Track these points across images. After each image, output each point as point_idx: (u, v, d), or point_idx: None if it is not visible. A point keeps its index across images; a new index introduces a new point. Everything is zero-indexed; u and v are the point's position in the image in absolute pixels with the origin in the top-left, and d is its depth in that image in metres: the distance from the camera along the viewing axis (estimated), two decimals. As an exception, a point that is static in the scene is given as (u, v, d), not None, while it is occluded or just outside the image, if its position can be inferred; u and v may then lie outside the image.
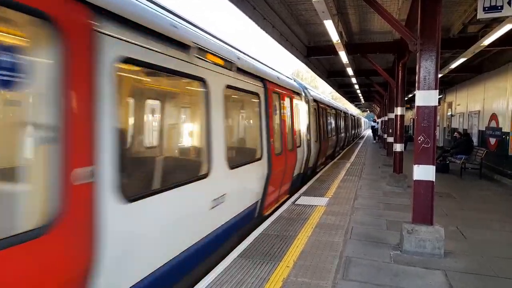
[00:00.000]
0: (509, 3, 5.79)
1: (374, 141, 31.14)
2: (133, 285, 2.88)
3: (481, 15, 5.98)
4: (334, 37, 8.56)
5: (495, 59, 12.87)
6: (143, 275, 3.02)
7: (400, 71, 10.96)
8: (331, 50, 10.63)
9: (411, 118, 31.84)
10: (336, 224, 6.02)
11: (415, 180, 5.00)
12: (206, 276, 3.96)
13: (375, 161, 16.08)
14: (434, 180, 4.93)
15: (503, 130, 11.93)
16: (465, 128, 16.65)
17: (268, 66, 7.76)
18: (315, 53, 12.66)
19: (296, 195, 8.28)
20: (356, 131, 39.70)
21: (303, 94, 10.40)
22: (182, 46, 3.72)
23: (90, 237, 2.45)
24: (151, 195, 3.11)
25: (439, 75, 5.16)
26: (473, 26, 9.39)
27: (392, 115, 13.78)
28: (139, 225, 2.95)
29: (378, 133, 32.20)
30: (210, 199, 4.24)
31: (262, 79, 6.50)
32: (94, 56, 2.51)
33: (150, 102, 5.59)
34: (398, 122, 10.63)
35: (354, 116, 36.14)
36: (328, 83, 23.16)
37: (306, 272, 4.12)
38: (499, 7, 5.83)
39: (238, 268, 4.20)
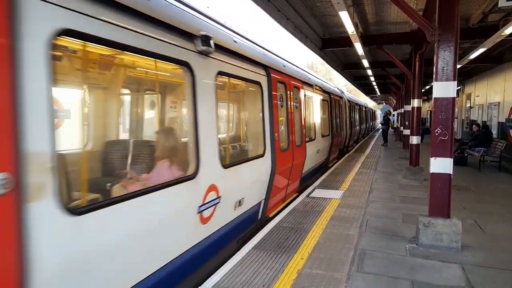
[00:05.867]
0: (532, -9, 5.61)
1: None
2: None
3: (503, 3, 5.81)
4: (350, 28, 8.45)
5: (517, 48, 12.48)
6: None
7: (417, 62, 10.75)
8: (346, 41, 10.52)
9: (428, 110, 31.19)
10: (351, 216, 6.01)
11: (432, 173, 4.93)
12: (222, 267, 4.04)
13: (390, 154, 15.89)
14: (451, 173, 4.86)
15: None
16: (484, 120, 16.26)
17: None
18: (330, 45, 12.53)
19: (310, 188, 8.28)
20: (372, 123, 39.11)
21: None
22: None
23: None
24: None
25: (458, 66, 5.05)
26: (494, 14, 9.12)
27: (408, 107, 13.57)
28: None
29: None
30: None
31: None
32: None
33: None
34: (415, 114, 10.47)
35: (367, 108, 33.68)
36: (343, 76, 22.92)
37: (321, 264, 4.14)
38: (522, -5, 5.66)
39: (253, 259, 4.26)
